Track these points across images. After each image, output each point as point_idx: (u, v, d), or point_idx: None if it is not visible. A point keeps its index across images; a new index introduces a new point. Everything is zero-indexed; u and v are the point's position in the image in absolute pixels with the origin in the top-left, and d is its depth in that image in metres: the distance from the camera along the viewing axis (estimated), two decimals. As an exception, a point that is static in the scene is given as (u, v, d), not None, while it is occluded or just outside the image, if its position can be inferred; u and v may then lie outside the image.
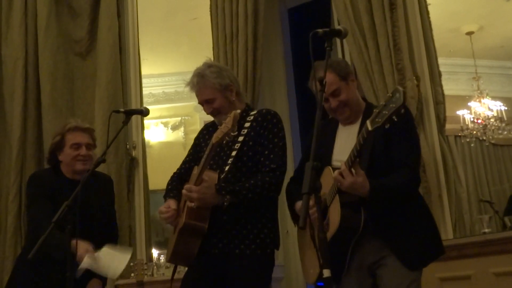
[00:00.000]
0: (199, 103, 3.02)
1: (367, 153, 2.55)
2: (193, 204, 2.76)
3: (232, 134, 2.66)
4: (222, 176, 2.84)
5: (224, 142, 2.70)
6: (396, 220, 2.58)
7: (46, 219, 2.77)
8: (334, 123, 2.87)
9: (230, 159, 2.87)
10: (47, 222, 2.67)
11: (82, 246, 2.92)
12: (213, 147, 2.71)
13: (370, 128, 2.27)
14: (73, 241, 2.84)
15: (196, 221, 2.80)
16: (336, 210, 2.53)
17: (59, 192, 3.17)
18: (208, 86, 2.95)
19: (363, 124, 2.63)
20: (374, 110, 2.27)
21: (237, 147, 2.88)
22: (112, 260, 3.00)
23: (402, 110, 2.17)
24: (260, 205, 2.86)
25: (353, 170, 2.41)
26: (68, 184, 3.21)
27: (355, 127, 2.73)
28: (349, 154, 2.43)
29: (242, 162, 2.89)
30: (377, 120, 2.24)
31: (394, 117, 2.18)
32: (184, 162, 3.19)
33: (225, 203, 2.76)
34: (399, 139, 2.59)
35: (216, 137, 2.67)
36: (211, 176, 2.81)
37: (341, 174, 2.42)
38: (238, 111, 2.71)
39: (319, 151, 2.45)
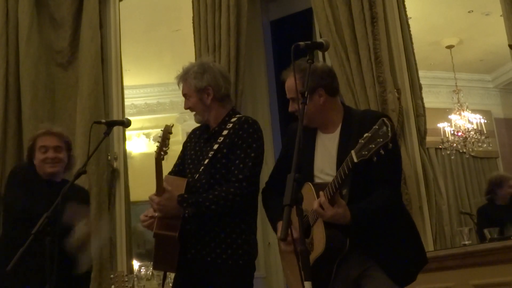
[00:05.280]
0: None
1: (349, 177, 2.43)
2: (156, 214, 2.81)
3: (164, 149, 2.75)
4: (193, 180, 2.89)
5: (161, 158, 2.77)
6: (380, 233, 2.54)
7: (31, 201, 2.90)
8: (314, 129, 2.76)
9: (202, 167, 2.90)
10: (30, 203, 2.71)
11: None
12: (156, 162, 2.76)
13: (355, 160, 2.24)
14: None
15: (165, 231, 2.80)
16: (321, 232, 2.47)
17: (36, 187, 3.28)
18: (186, 83, 3.04)
19: (342, 133, 2.64)
20: (360, 141, 2.23)
21: (211, 154, 2.90)
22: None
23: (390, 145, 2.14)
24: (235, 214, 2.85)
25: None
26: (45, 183, 3.32)
27: (335, 137, 2.67)
28: (330, 183, 2.39)
29: (215, 169, 2.89)
30: (363, 152, 2.21)
31: (381, 150, 2.16)
32: (174, 166, 3.19)
33: (186, 214, 2.78)
34: (381, 158, 2.53)
35: (155, 152, 2.76)
36: (179, 184, 2.84)
37: (321, 206, 2.38)
38: (171, 124, 2.83)
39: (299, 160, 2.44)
